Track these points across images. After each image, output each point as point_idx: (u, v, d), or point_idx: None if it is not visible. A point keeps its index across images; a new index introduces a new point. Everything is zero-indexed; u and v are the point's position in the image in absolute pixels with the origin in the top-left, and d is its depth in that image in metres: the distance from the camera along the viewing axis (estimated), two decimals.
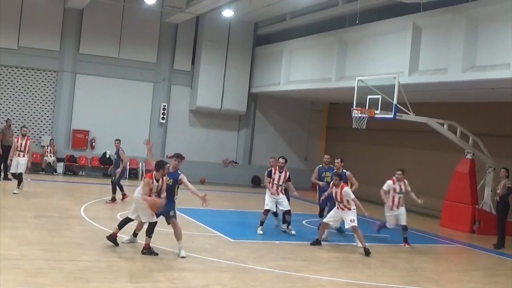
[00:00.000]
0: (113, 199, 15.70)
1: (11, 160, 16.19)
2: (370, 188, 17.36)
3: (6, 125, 19.51)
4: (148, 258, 9.60)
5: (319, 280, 9.30)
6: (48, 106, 23.03)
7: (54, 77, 23.02)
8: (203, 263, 9.73)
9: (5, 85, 22.34)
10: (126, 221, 10.31)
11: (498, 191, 14.55)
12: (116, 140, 16.58)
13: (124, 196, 15.99)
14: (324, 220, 12.39)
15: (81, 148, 23.25)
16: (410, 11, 16.45)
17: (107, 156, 22.57)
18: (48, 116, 23.08)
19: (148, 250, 9.87)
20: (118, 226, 10.30)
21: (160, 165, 9.95)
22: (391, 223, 13.42)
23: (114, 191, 15.75)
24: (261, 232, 13.14)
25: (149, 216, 9.92)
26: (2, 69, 22.25)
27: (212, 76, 24.32)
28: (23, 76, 22.60)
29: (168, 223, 10.27)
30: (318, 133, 27.36)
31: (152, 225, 9.95)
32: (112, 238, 10.17)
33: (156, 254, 9.85)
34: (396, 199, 13.25)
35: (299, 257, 10.98)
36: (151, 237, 9.92)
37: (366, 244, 11.92)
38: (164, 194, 9.97)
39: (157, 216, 10.12)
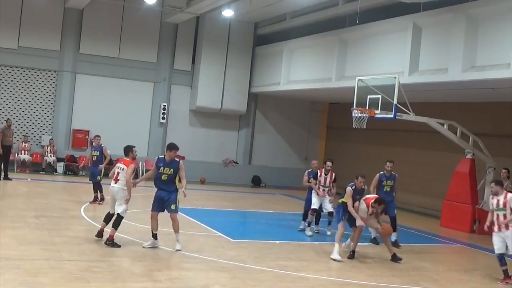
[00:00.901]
0: (102, 198, 15.33)
1: None
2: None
3: (6, 125, 19.51)
4: (148, 258, 9.60)
5: (319, 280, 9.30)
6: (48, 106, 23.03)
7: (54, 77, 23.02)
8: (203, 263, 9.73)
9: (5, 85, 22.34)
10: (110, 217, 10.55)
11: None
12: (97, 136, 15.98)
13: (102, 199, 15.36)
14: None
15: (81, 148, 23.25)
16: (410, 11, 16.45)
17: None
18: (48, 116, 23.08)
19: (111, 242, 10.16)
20: (104, 220, 10.62)
21: (129, 149, 10.79)
22: (498, 248, 10.31)
23: (100, 191, 15.37)
24: (311, 233, 13.24)
25: (124, 209, 10.35)
26: (2, 69, 22.25)
27: (212, 76, 24.32)
28: (23, 76, 22.60)
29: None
30: (318, 133, 27.37)
31: (120, 218, 10.33)
32: (111, 241, 10.23)
33: (119, 246, 10.14)
34: (500, 217, 10.20)
35: (299, 257, 10.97)
36: (117, 229, 10.26)
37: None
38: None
39: (161, 211, 10.41)
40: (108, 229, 10.43)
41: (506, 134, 17.65)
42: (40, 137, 22.91)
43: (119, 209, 10.40)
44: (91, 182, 15.63)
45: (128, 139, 21.47)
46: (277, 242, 12.39)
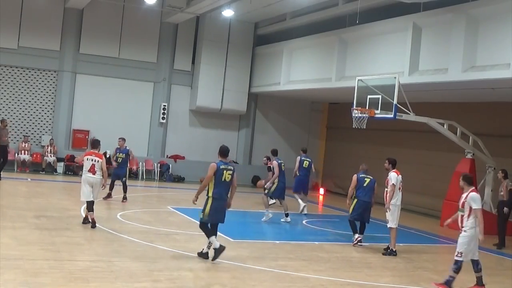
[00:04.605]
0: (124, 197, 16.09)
1: None
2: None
3: (2, 125, 19.42)
4: (148, 258, 9.60)
5: (319, 280, 9.29)
6: (48, 106, 23.03)
7: (54, 77, 23.02)
8: (203, 263, 9.72)
9: (5, 85, 22.33)
10: (92, 204, 11.84)
11: (502, 192, 14.49)
12: (121, 138, 16.63)
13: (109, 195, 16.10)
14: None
15: (81, 148, 23.20)
16: (410, 11, 16.45)
17: (107, 156, 22.55)
18: (48, 116, 23.07)
19: (94, 223, 11.74)
20: (89, 210, 11.87)
21: (98, 143, 12.38)
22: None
23: (125, 190, 16.13)
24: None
25: (97, 196, 11.98)
26: (2, 69, 22.25)
27: (212, 76, 24.32)
28: (23, 76, 22.60)
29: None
30: (318, 133, 27.36)
31: (93, 202, 11.81)
32: (93, 222, 11.79)
33: (95, 226, 11.66)
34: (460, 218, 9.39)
35: (299, 257, 10.97)
36: (92, 211, 11.80)
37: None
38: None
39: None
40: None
41: (506, 134, 17.65)
42: (40, 137, 22.90)
43: (95, 197, 11.89)
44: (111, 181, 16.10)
45: (128, 139, 21.44)
46: (277, 242, 12.39)
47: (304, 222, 15.71)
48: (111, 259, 9.29)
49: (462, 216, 9.26)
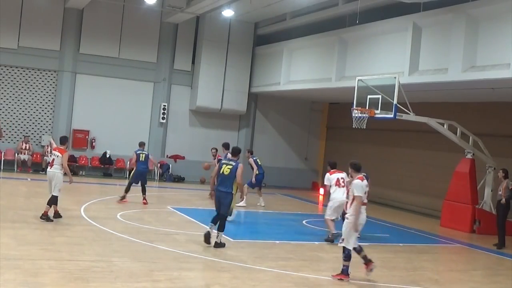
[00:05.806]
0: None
1: None
2: (371, 188, 17.30)
3: None
4: (148, 258, 9.60)
5: (319, 280, 9.29)
6: (48, 106, 23.03)
7: (54, 77, 23.02)
8: (203, 263, 9.73)
9: (5, 85, 22.34)
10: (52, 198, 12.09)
11: (500, 192, 14.50)
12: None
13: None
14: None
15: (81, 148, 23.24)
16: (410, 11, 16.46)
17: (107, 156, 22.61)
18: (48, 116, 23.07)
19: (46, 217, 11.90)
20: (47, 203, 12.13)
21: (66, 139, 12.71)
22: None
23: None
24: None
25: (57, 191, 12.02)
26: (2, 69, 22.25)
27: (212, 76, 24.32)
28: (23, 76, 22.60)
29: None
30: (318, 133, 27.36)
31: (55, 197, 12.02)
32: (46, 216, 11.93)
33: (51, 220, 11.84)
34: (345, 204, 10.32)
35: (299, 257, 10.97)
36: (50, 206, 12.04)
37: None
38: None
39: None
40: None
41: (506, 134, 17.65)
42: (40, 137, 22.90)
43: (54, 191, 12.00)
44: None
45: (128, 139, 21.57)
46: (277, 242, 12.39)
47: (304, 222, 15.70)
48: (111, 259, 9.28)
49: (347, 202, 9.51)
